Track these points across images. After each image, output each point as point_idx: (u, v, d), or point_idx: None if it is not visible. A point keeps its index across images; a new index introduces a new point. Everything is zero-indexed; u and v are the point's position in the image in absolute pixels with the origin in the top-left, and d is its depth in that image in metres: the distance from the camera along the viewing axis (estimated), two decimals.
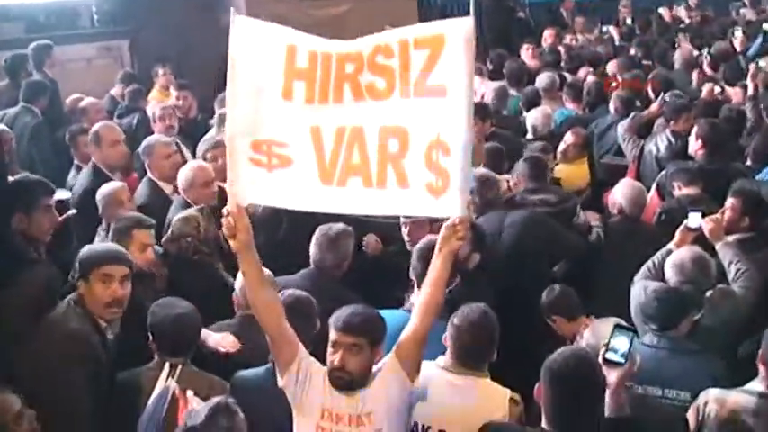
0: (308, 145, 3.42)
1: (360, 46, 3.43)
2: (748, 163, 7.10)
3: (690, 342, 4.45)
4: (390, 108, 3.37)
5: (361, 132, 3.40)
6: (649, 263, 5.26)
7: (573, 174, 7.28)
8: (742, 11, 16.59)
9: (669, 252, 5.20)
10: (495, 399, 3.99)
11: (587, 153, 7.56)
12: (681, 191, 6.32)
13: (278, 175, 3.46)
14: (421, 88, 3.32)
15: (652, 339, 4.42)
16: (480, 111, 7.15)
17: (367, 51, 3.38)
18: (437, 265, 3.64)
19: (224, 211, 3.51)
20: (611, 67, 10.67)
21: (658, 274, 5.10)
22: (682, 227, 5.34)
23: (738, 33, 12.55)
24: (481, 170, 6.10)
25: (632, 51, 12.04)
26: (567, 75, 10.35)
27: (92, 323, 4.21)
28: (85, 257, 4.36)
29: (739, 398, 3.91)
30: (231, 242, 3.55)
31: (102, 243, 5.13)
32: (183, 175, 6.06)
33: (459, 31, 3.28)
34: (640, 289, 4.95)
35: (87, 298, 4.25)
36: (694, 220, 5.31)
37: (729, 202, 5.65)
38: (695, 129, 7.08)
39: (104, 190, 5.89)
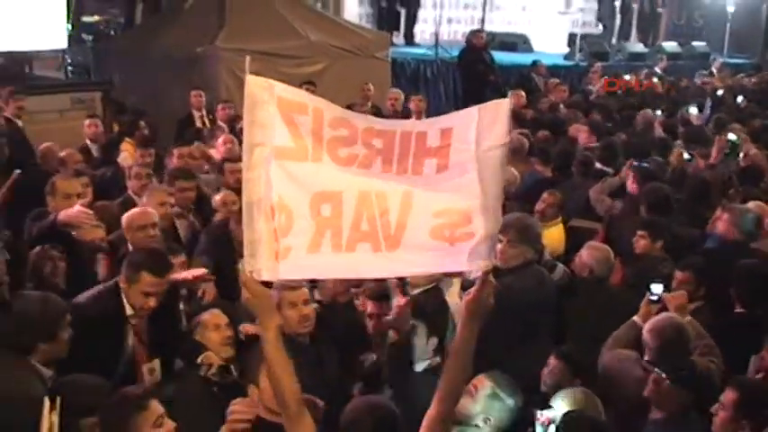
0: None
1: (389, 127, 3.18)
2: None
3: None
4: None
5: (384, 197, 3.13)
6: (616, 334, 5.27)
7: (549, 236, 7.05)
8: (706, 79, 17.00)
9: (633, 324, 5.24)
10: None
11: (562, 215, 7.54)
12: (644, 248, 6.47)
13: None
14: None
15: None
16: None
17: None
18: (465, 333, 3.17)
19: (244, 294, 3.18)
20: (573, 131, 10.81)
21: (627, 345, 5.15)
22: (645, 300, 5.35)
23: (693, 110, 12.85)
24: None
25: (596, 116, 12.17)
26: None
27: (39, 379, 4.16)
28: (49, 318, 4.27)
29: None
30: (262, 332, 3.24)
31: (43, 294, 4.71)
32: (123, 218, 6.11)
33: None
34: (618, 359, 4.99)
35: (54, 353, 4.24)
36: (656, 291, 5.34)
37: (680, 275, 5.76)
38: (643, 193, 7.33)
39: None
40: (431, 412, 3.25)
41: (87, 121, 9.75)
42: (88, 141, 9.57)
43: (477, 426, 4.17)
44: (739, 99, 14.48)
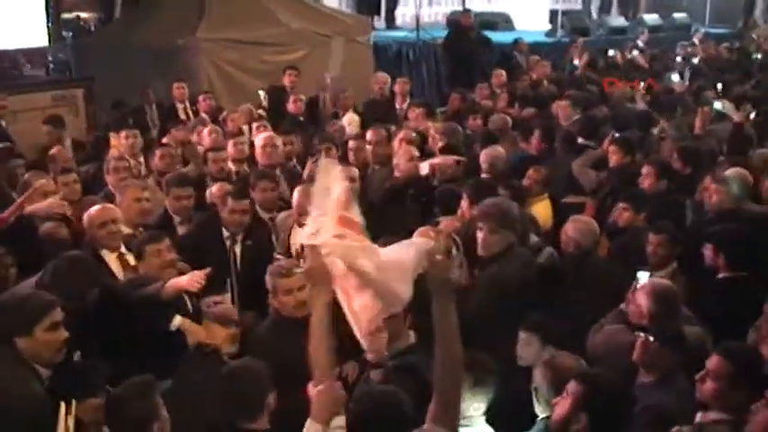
0: None
1: None
2: None
3: None
4: None
5: None
6: (602, 321, 5.24)
7: (536, 212, 7.13)
8: (689, 49, 17.02)
9: (620, 312, 5.19)
10: None
11: (548, 191, 7.56)
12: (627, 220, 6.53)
13: None
14: None
15: None
16: None
17: None
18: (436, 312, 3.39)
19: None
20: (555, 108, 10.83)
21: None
22: (632, 287, 5.22)
23: (675, 77, 12.90)
24: None
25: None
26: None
27: (36, 377, 4.12)
28: (25, 312, 4.15)
29: None
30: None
31: (22, 293, 4.70)
32: (84, 217, 5.97)
33: None
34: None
35: (34, 351, 4.12)
36: (643, 279, 5.27)
37: (654, 238, 5.83)
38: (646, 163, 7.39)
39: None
40: (431, 407, 3.38)
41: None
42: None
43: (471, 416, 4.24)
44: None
